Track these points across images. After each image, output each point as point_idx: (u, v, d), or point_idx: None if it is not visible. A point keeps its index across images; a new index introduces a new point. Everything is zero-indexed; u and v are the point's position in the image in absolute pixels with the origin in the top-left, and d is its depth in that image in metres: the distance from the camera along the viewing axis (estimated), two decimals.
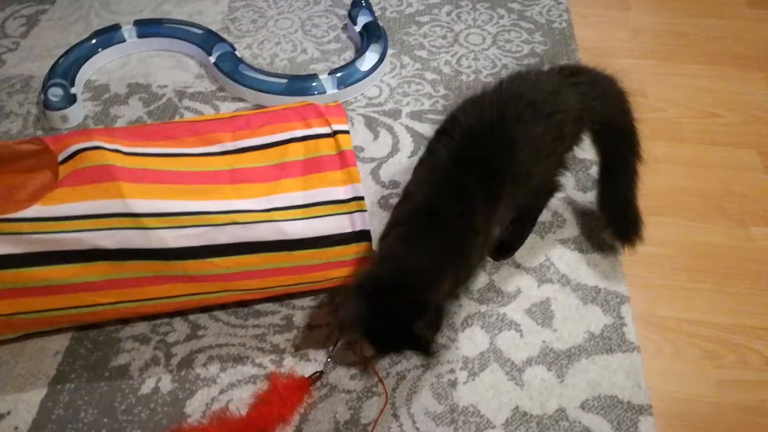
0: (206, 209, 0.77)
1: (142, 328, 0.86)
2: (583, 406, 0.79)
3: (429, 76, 1.26)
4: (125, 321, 0.86)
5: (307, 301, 0.89)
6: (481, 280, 0.91)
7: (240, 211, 0.77)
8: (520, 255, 0.94)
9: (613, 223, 0.95)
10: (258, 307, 0.88)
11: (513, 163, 0.78)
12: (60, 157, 0.79)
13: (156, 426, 0.77)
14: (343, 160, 0.83)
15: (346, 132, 0.85)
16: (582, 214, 1.00)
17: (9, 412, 0.78)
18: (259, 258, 0.78)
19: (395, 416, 0.78)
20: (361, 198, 0.81)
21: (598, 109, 0.86)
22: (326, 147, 0.83)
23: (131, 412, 0.78)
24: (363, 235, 0.80)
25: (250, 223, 0.77)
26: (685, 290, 0.93)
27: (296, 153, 0.82)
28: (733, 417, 0.79)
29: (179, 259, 0.76)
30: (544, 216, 0.99)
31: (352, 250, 0.81)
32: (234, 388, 0.80)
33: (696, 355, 0.85)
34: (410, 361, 0.82)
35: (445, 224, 0.76)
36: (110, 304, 0.78)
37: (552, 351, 0.84)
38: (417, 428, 0.77)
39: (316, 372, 0.81)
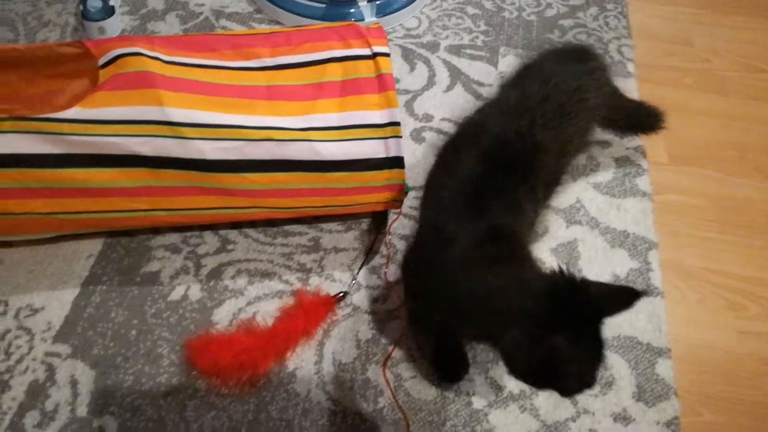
0: (243, 123, 0.76)
1: (173, 238, 0.87)
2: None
3: (470, 10, 1.22)
4: (157, 230, 0.87)
5: (335, 225, 0.89)
6: None
7: (276, 128, 0.76)
8: None
9: (633, 123, 0.94)
10: (287, 227, 0.89)
11: (544, 170, 0.73)
12: (100, 62, 0.78)
13: (184, 330, 0.78)
14: (382, 83, 0.81)
15: (387, 55, 0.83)
16: (617, 160, 0.98)
17: (43, 308, 0.80)
18: (292, 177, 0.78)
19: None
20: (398, 123, 0.79)
21: (608, 101, 0.86)
22: (365, 69, 0.81)
23: (160, 315, 0.80)
24: (397, 162, 0.79)
25: (285, 141, 0.76)
26: (714, 241, 0.91)
27: (334, 73, 0.80)
28: (751, 366, 0.79)
29: (215, 171, 0.76)
30: (578, 159, 0.97)
31: (385, 176, 0.79)
32: (260, 301, 0.81)
33: (719, 305, 0.84)
34: None
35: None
36: (144, 211, 0.78)
37: None
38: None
39: (341, 292, 0.82)
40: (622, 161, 0.98)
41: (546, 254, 0.87)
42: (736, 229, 0.92)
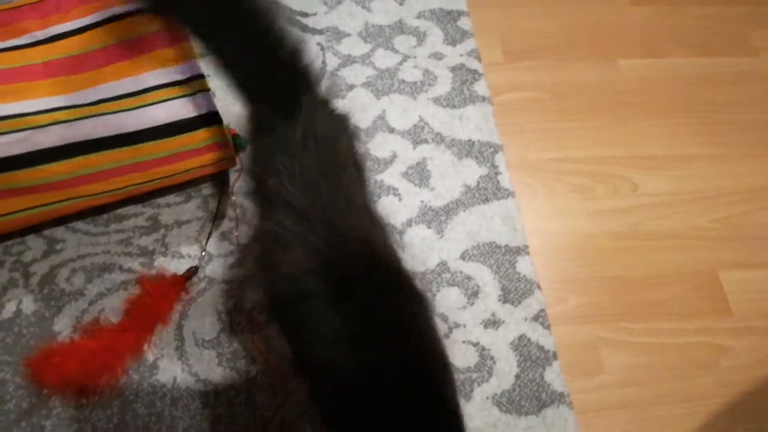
0: (24, 110, 0.66)
1: None
2: (463, 256, 0.79)
3: None
4: None
5: (173, 198, 0.81)
6: None
7: (62, 108, 0.67)
8: (393, 119, 0.89)
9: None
10: (119, 211, 0.80)
11: None
12: None
13: (24, 348, 0.70)
14: (174, 34, 0.72)
15: None
16: (453, 69, 0.95)
17: None
18: (97, 158, 0.69)
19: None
20: (202, 76, 0.72)
21: None
22: (152, 22, 0.72)
23: None
24: (211, 118, 0.72)
25: (76, 120, 0.67)
26: (555, 131, 0.91)
27: (118, 33, 0.70)
28: (605, 243, 0.81)
29: (6, 171, 0.66)
30: (415, 75, 0.94)
31: (202, 136, 0.72)
32: (104, 298, 0.74)
33: (567, 192, 0.85)
34: None
35: None
36: None
37: (431, 209, 0.82)
38: None
39: (190, 267, 0.76)
40: (458, 69, 0.95)
41: (397, 179, 0.84)
42: (575, 114, 0.93)
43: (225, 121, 0.73)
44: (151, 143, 0.70)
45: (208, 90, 0.71)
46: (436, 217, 0.81)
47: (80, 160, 0.68)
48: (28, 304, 0.73)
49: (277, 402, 0.68)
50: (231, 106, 0.67)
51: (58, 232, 0.78)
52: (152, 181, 0.74)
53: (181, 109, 0.70)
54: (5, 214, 0.69)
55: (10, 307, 0.73)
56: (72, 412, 0.67)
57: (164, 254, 0.77)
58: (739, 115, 0.94)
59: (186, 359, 0.71)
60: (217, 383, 0.69)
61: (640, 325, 0.76)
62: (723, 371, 0.74)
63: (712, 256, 0.81)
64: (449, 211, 0.82)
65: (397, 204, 0.82)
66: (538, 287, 0.76)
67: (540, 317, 0.75)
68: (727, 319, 0.77)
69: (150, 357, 0.71)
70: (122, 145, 0.69)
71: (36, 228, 0.78)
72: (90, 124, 0.67)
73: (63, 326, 0.72)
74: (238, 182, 0.82)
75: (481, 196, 0.83)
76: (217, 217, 0.80)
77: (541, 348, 0.73)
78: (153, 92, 0.69)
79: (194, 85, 0.71)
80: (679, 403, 0.72)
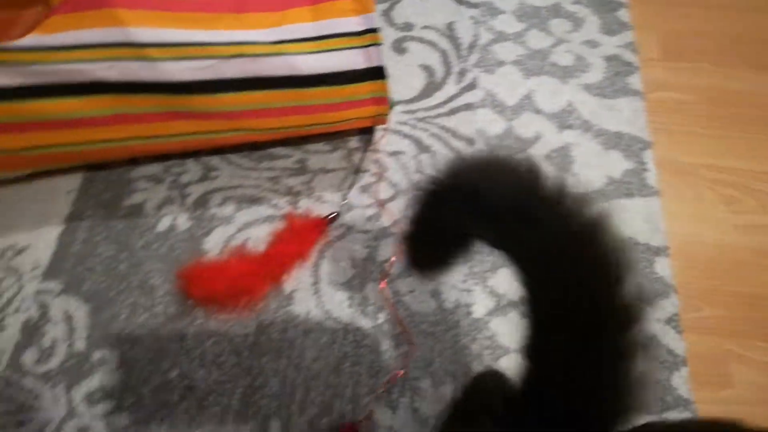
0: (212, 40, 0.70)
1: (154, 168, 0.83)
2: None
3: None
4: (136, 161, 0.83)
5: (321, 146, 0.85)
6: (497, 125, 0.87)
7: (248, 43, 0.70)
8: (540, 100, 0.89)
9: None
10: (271, 150, 0.84)
11: None
12: None
13: (175, 260, 0.76)
14: None
15: None
16: (607, 59, 0.93)
17: (28, 247, 0.77)
18: (269, 95, 0.73)
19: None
20: (375, 30, 0.73)
21: None
22: None
23: (149, 247, 0.77)
24: (378, 72, 0.74)
25: (258, 56, 0.70)
26: (707, 137, 0.88)
27: None
28: (749, 258, 0.78)
29: (187, 93, 0.71)
30: (567, 60, 0.92)
31: (367, 89, 0.74)
32: (250, 227, 0.78)
33: (715, 200, 0.82)
34: None
35: None
36: (119, 141, 0.73)
37: None
38: None
39: (332, 213, 0.79)
40: (612, 60, 0.93)
41: (539, 161, 0.84)
42: (729, 123, 0.89)
43: (387, 78, 0.75)
44: (320, 89, 0.73)
45: (379, 44, 0.73)
46: None
47: (255, 94, 0.72)
48: (182, 222, 0.79)
49: (400, 351, 0.71)
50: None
51: (215, 160, 0.83)
52: (311, 126, 0.77)
53: (354, 59, 0.72)
54: (175, 134, 0.74)
55: (166, 222, 0.79)
56: (212, 326, 0.72)
57: (309, 197, 0.81)
58: None
59: (319, 296, 0.74)
60: (346, 323, 0.72)
61: None
62: None
63: None
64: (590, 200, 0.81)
65: None
66: (675, 291, 0.74)
67: (673, 321, 0.73)
68: None
69: (287, 288, 0.74)
70: (294, 86, 0.72)
71: (195, 154, 0.83)
72: (269, 62, 0.70)
73: (211, 246, 0.77)
74: (383, 140, 0.85)
75: (624, 190, 0.81)
76: (359, 170, 0.83)
77: (671, 352, 0.71)
78: (330, 40, 0.72)
79: (367, 37, 0.73)
80: None
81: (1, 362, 0.69)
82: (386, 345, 0.71)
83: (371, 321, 0.72)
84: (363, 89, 0.74)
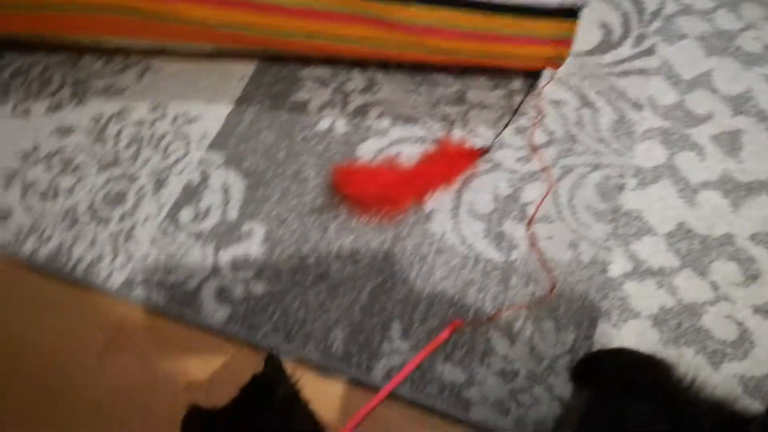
0: None
1: (322, 71, 0.86)
2: (752, 238, 0.74)
3: None
4: (307, 62, 0.86)
5: (483, 81, 0.85)
6: (668, 96, 0.83)
7: None
8: (718, 81, 0.84)
9: None
10: (433, 75, 0.85)
11: None
12: None
13: (330, 159, 0.79)
14: None
15: None
16: None
17: (198, 118, 0.82)
18: (456, 15, 0.73)
19: (556, 203, 0.76)
20: None
21: None
22: None
23: (308, 142, 0.80)
24: (571, 12, 0.72)
25: None
26: None
27: None
28: None
29: (380, 1, 0.73)
30: (754, 47, 0.87)
31: (555, 27, 0.73)
32: (404, 143, 0.80)
33: None
34: (580, 157, 0.79)
35: None
36: (301, 34, 0.76)
37: (732, 180, 0.77)
38: (576, 218, 0.75)
39: (484, 146, 0.79)
40: None
41: (705, 139, 0.80)
42: None
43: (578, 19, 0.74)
44: (508, 18, 0.73)
45: None
46: (735, 190, 0.76)
47: (442, 11, 0.73)
48: (341, 126, 0.82)
49: (528, 290, 0.71)
50: None
51: (379, 76, 0.85)
52: (486, 55, 0.77)
53: None
54: (355, 39, 0.77)
55: (326, 122, 0.82)
56: (354, 225, 0.75)
57: (462, 127, 0.81)
58: None
59: (457, 221, 0.75)
60: (478, 252, 0.73)
61: None
62: None
63: None
64: (752, 189, 0.77)
65: (697, 163, 0.78)
66: None
67: None
68: None
69: (428, 207, 0.76)
70: (483, 9, 0.72)
71: (362, 65, 0.86)
72: None
73: (364, 153, 0.79)
74: (548, 87, 0.84)
75: None
76: (517, 112, 0.82)
77: None
78: None
79: None
80: None
81: (161, 213, 0.76)
82: (515, 281, 0.71)
83: (504, 256, 0.73)
84: (549, 27, 0.73)
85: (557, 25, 0.73)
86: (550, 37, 0.74)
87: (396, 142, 0.80)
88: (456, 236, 0.74)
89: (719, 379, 0.66)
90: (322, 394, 0.66)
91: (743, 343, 0.68)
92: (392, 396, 0.65)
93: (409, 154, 0.79)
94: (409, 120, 0.82)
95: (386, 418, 0.66)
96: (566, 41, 0.74)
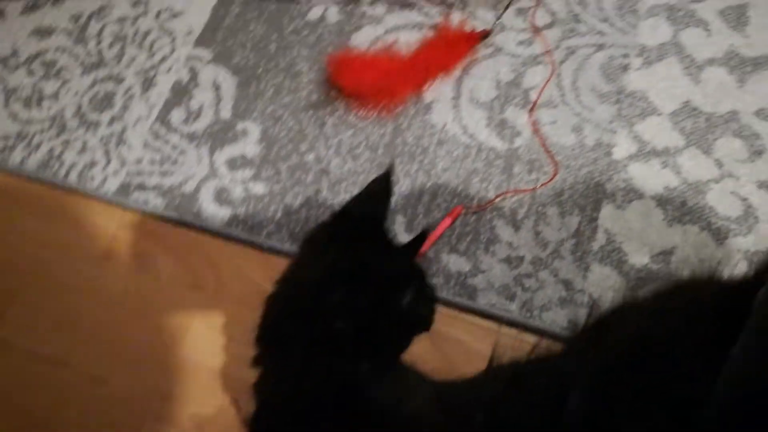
0: None
1: None
2: (758, 114, 0.68)
3: None
4: None
5: None
6: None
7: None
8: None
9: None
10: None
11: None
12: None
13: (323, 51, 0.71)
14: None
15: None
16: None
17: (183, 12, 0.73)
18: None
19: (559, 87, 0.69)
20: None
21: None
22: None
23: (299, 33, 0.72)
24: None
25: None
26: None
27: None
28: None
29: None
30: None
31: None
32: (400, 30, 0.72)
33: None
34: (584, 38, 0.72)
35: None
36: None
37: (738, 56, 0.70)
38: (580, 101, 0.69)
39: (484, 29, 0.71)
40: None
41: (712, 15, 0.72)
42: None
43: None
44: None
45: None
46: (741, 66, 0.70)
47: None
48: (333, 14, 0.73)
49: (531, 177, 0.66)
50: None
51: None
52: None
53: None
54: None
55: (317, 11, 0.73)
56: (352, 119, 0.68)
57: (462, 10, 0.73)
58: None
59: (458, 111, 0.69)
60: (481, 141, 0.67)
61: None
62: None
63: None
64: (759, 64, 0.70)
65: (703, 39, 0.71)
66: None
67: None
68: None
69: (428, 97, 0.69)
70: None
71: None
72: None
73: (359, 43, 0.71)
74: None
75: None
76: None
77: None
78: None
79: None
80: None
81: (151, 115, 0.69)
82: (518, 169, 0.66)
83: (507, 144, 0.67)
84: None
85: None
86: None
87: (392, 29, 0.72)
88: (457, 126, 0.68)
89: (724, 255, 0.63)
90: None
91: (747, 218, 0.64)
92: None
93: (407, 41, 0.71)
94: (406, 5, 0.73)
95: None
96: None
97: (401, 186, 0.65)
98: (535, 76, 0.70)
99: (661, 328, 0.43)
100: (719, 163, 0.66)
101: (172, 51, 0.71)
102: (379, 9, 0.73)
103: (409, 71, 0.68)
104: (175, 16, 0.73)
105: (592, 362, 0.44)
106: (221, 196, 0.65)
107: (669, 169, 0.66)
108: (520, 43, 0.71)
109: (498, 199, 0.64)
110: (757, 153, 0.67)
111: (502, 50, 0.71)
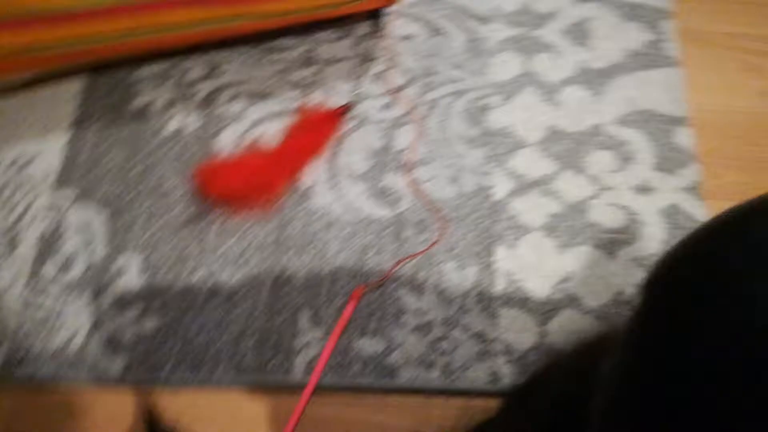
0: None
1: (157, 68, 0.73)
2: (618, 121, 0.70)
3: None
4: (139, 62, 0.73)
5: (328, 34, 0.75)
6: (513, 1, 0.76)
7: None
8: None
9: None
10: (277, 42, 0.74)
11: None
12: None
13: (188, 162, 0.68)
14: None
15: None
16: None
17: (37, 155, 0.68)
18: None
19: (428, 142, 0.69)
20: None
21: None
22: None
23: (160, 150, 0.68)
24: None
25: None
26: (731, 3, 0.78)
27: None
28: None
29: None
30: None
31: None
32: (262, 124, 0.70)
33: (738, 68, 0.73)
34: (442, 89, 0.72)
35: None
36: (120, 35, 0.63)
37: (588, 70, 0.72)
38: (451, 151, 0.68)
39: (345, 104, 0.71)
40: None
41: (557, 36, 0.75)
42: None
43: None
44: None
45: None
46: (595, 79, 0.72)
47: None
48: (192, 121, 0.70)
49: (423, 238, 0.65)
50: None
51: (220, 56, 0.73)
52: (317, 8, 0.67)
53: None
54: (176, 25, 0.64)
55: (175, 123, 0.70)
56: (233, 225, 0.66)
57: (320, 88, 0.72)
58: None
59: (338, 189, 0.67)
60: (366, 215, 0.66)
61: None
62: None
63: None
64: (608, 73, 0.72)
65: (553, 62, 0.73)
66: (696, 159, 0.68)
67: (694, 189, 0.67)
68: None
69: (305, 184, 0.68)
70: None
71: (200, 50, 0.73)
72: None
73: (223, 145, 0.69)
74: (393, 24, 0.75)
75: (643, 61, 0.72)
76: (370, 58, 0.74)
77: (692, 219, 0.66)
78: None
79: None
80: None
81: (22, 275, 0.64)
82: (408, 233, 0.65)
83: (392, 210, 0.66)
84: None
85: None
86: None
87: (254, 123, 0.70)
88: (341, 205, 0.67)
89: (618, 268, 0.64)
90: (250, 412, 0.59)
91: (631, 225, 0.66)
92: (320, 389, 0.59)
93: (271, 133, 0.70)
94: (263, 96, 0.72)
95: (321, 414, 0.59)
96: None
97: (298, 280, 0.63)
98: (404, 138, 0.69)
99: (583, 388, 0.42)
100: (594, 179, 0.67)
101: (33, 200, 0.67)
102: (236, 106, 0.71)
103: (279, 163, 0.66)
104: (28, 162, 0.68)
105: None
106: (112, 344, 0.60)
107: (549, 197, 0.66)
108: (383, 107, 0.71)
109: (395, 269, 0.63)
110: (626, 160, 0.68)
111: (367, 119, 0.70)
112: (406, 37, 0.74)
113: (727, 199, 0.67)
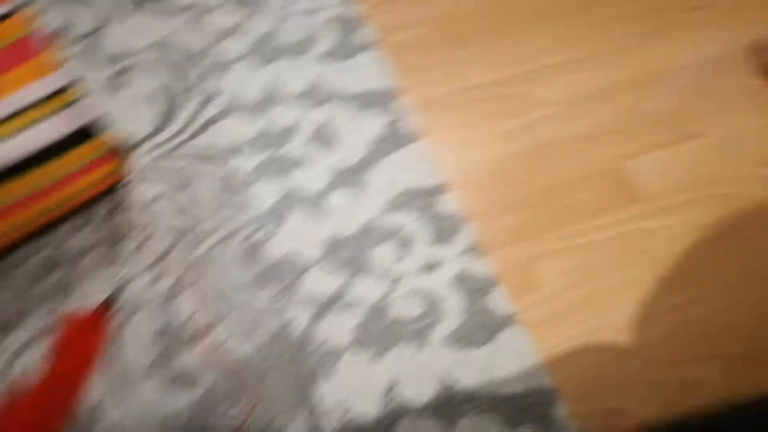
0: None
1: None
2: (386, 209, 0.70)
3: None
4: None
5: (69, 227, 0.66)
6: (249, 127, 0.75)
7: None
8: (287, 85, 0.78)
9: None
10: (14, 256, 0.65)
11: None
12: None
13: None
14: (24, 49, 0.57)
15: (13, 14, 0.59)
16: (331, 20, 0.84)
17: None
18: None
19: (212, 302, 0.64)
20: (65, 89, 0.57)
21: None
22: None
23: None
24: (89, 131, 0.57)
25: None
26: (456, 60, 0.82)
27: None
28: (518, 162, 0.74)
29: None
30: (295, 35, 0.82)
31: (89, 150, 0.58)
32: (16, 359, 0.61)
33: (478, 119, 0.77)
34: (207, 240, 0.68)
35: None
36: None
37: (340, 170, 0.73)
38: (239, 302, 0.64)
39: (108, 296, 0.64)
40: (337, 22, 0.84)
41: (302, 147, 0.74)
42: (466, 37, 0.84)
43: (106, 129, 0.60)
44: (37, 171, 0.56)
45: (77, 100, 0.57)
46: (351, 177, 0.72)
47: None
48: None
49: (241, 405, 0.60)
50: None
51: None
52: (53, 209, 0.60)
53: (49, 130, 0.55)
54: None
55: None
56: None
57: (74, 291, 0.64)
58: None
59: (132, 390, 0.60)
60: (172, 408, 0.60)
61: (566, 229, 0.72)
62: (651, 251, 0.72)
63: (614, 151, 0.77)
64: (362, 168, 0.73)
65: (308, 173, 0.72)
66: (466, 220, 0.70)
67: (473, 249, 0.69)
68: (640, 204, 0.75)
69: (93, 399, 0.59)
70: (17, 173, 0.55)
71: None
72: None
73: None
74: (134, 193, 0.70)
75: (388, 145, 0.73)
76: (119, 237, 0.68)
77: (477, 278, 0.67)
78: (19, 117, 0.54)
79: (63, 97, 0.56)
80: (621, 289, 0.69)
81: None
82: (223, 407, 0.60)
83: (194, 395, 0.60)
84: (85, 152, 0.58)
85: (91, 147, 0.58)
86: (94, 159, 0.59)
87: (9, 360, 0.61)
88: (139, 407, 0.59)
89: (434, 353, 0.64)
90: None
91: (431, 306, 0.66)
92: None
93: (37, 360, 0.61)
94: (5, 330, 0.63)
95: None
96: (112, 151, 0.61)
97: None
98: (186, 306, 0.64)
99: None
100: (383, 275, 0.67)
101: None
102: None
103: (51, 394, 0.58)
104: None
105: None
106: None
107: (348, 311, 0.65)
108: (151, 283, 0.65)
109: None
110: (405, 245, 0.69)
111: (138, 303, 0.64)
112: (154, 200, 0.69)
113: (508, 243, 0.70)
